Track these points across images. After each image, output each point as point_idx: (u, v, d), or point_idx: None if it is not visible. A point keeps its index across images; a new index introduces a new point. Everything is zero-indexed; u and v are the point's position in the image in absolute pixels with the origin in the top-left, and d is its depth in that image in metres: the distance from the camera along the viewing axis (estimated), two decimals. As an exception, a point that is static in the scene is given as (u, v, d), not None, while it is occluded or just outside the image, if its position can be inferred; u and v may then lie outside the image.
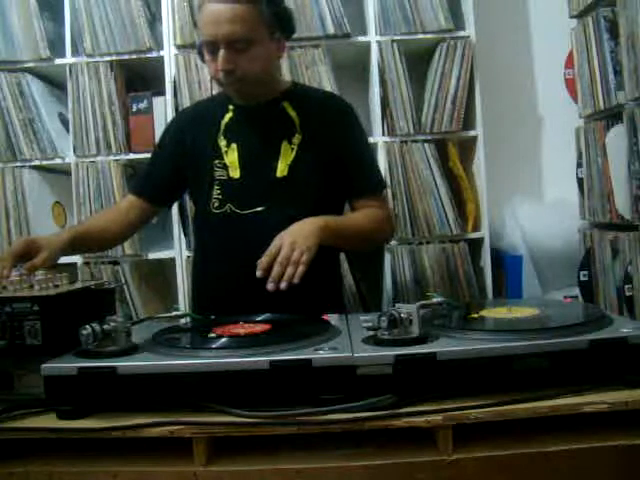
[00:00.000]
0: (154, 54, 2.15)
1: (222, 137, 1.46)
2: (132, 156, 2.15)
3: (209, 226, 1.49)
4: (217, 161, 1.45)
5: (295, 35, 2.07)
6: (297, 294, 1.31)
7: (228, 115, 1.48)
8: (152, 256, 2.17)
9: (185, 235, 2.12)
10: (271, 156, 1.42)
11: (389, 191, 2.10)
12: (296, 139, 1.43)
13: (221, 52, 1.31)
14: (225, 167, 1.45)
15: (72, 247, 1.35)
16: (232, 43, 1.31)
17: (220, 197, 1.44)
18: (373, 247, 1.52)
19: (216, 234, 1.48)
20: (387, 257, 2.12)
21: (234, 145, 1.45)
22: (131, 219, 1.52)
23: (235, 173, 1.44)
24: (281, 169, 1.42)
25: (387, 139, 2.14)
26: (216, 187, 1.45)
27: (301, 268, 1.20)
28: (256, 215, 1.41)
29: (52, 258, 1.23)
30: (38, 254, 1.21)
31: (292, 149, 1.43)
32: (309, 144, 1.43)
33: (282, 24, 1.39)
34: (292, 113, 1.45)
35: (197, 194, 1.52)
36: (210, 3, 1.31)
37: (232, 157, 1.44)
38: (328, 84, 2.10)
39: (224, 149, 1.45)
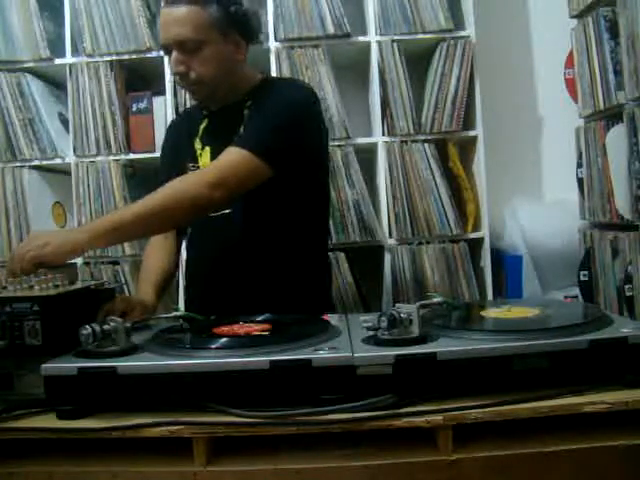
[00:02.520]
0: (154, 54, 2.15)
1: (198, 140, 1.47)
2: (132, 156, 2.16)
3: (185, 230, 1.55)
4: (191, 164, 1.46)
5: (295, 35, 2.11)
6: (278, 293, 1.36)
7: (205, 120, 1.48)
8: (152, 256, 2.17)
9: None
10: None
11: (389, 191, 2.11)
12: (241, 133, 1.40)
13: (173, 55, 1.33)
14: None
15: (159, 298, 1.42)
16: (181, 45, 1.32)
17: None
18: (191, 212, 1.27)
19: (192, 237, 1.55)
20: (387, 257, 2.12)
21: (207, 148, 1.45)
22: (171, 239, 1.53)
23: None
24: None
25: (387, 139, 2.14)
26: None
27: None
28: (224, 218, 1.40)
29: (148, 313, 1.30)
30: (134, 311, 1.27)
31: None
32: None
33: (239, 26, 1.37)
34: (247, 109, 1.42)
35: None
36: (162, 9, 1.34)
37: (205, 160, 1.44)
38: (328, 84, 2.10)
39: (198, 152, 1.46)
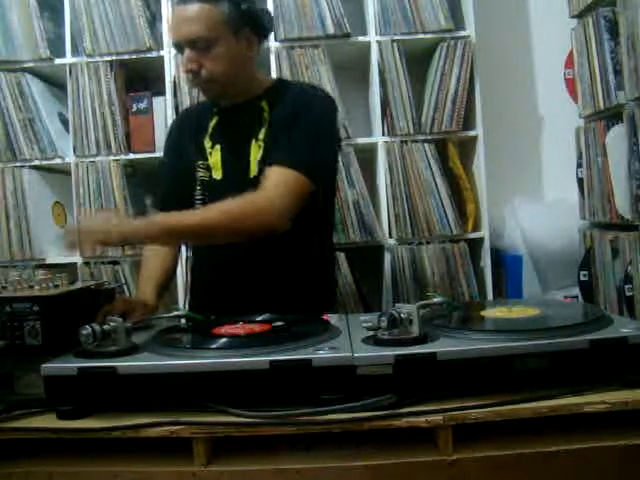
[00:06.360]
0: (154, 54, 2.15)
1: (208, 139, 1.47)
2: (132, 156, 2.16)
3: None
4: (200, 162, 1.46)
5: (295, 35, 2.11)
6: (285, 291, 1.37)
7: (215, 118, 1.48)
8: (152, 256, 2.16)
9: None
10: (246, 156, 1.41)
11: (389, 191, 2.11)
12: (262, 134, 1.40)
13: (185, 53, 1.34)
14: (208, 168, 1.45)
15: (159, 298, 1.44)
16: (193, 43, 1.32)
17: (202, 198, 1.44)
18: (248, 236, 1.29)
19: None
20: (387, 257, 2.12)
21: (218, 146, 1.45)
22: None
23: (217, 174, 1.44)
24: (252, 168, 1.40)
25: (387, 139, 2.14)
26: (198, 188, 1.45)
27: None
28: None
29: (149, 313, 1.32)
30: (135, 311, 1.29)
31: (259, 146, 1.40)
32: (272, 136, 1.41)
33: (250, 23, 1.37)
34: (266, 109, 1.43)
35: (185, 195, 1.50)
36: (175, 7, 1.36)
37: (215, 158, 1.44)
38: (328, 84, 2.10)
39: (209, 150, 1.46)
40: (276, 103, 1.41)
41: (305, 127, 1.36)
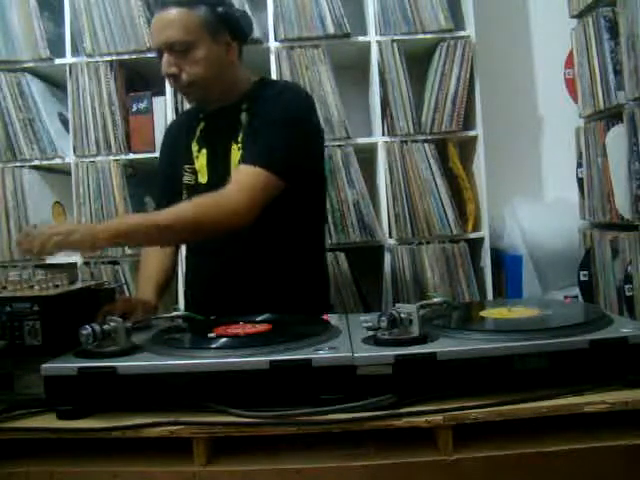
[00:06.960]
0: (154, 54, 2.15)
1: (195, 143, 1.48)
2: (132, 156, 2.16)
3: None
4: (187, 166, 1.47)
5: (295, 35, 2.11)
6: (278, 296, 1.38)
7: (203, 122, 1.49)
8: (152, 256, 2.16)
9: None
10: (228, 160, 1.42)
11: (389, 191, 2.11)
12: (240, 137, 1.40)
13: (164, 57, 1.35)
14: (195, 172, 1.46)
15: (159, 298, 1.45)
16: (171, 47, 1.33)
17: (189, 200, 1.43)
18: (209, 234, 1.32)
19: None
20: (387, 257, 2.12)
21: (204, 150, 1.46)
22: None
23: (203, 178, 1.45)
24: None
25: (387, 139, 2.14)
26: (184, 192, 1.47)
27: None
28: None
29: (149, 313, 1.32)
30: (135, 311, 1.28)
31: (239, 149, 1.40)
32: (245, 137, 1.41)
33: (229, 27, 1.38)
34: (245, 112, 1.42)
35: (174, 199, 1.48)
36: (154, 14, 1.38)
37: (201, 162, 1.45)
38: (328, 84, 2.10)
39: (195, 154, 1.47)
40: (254, 105, 1.41)
41: (279, 125, 1.36)
